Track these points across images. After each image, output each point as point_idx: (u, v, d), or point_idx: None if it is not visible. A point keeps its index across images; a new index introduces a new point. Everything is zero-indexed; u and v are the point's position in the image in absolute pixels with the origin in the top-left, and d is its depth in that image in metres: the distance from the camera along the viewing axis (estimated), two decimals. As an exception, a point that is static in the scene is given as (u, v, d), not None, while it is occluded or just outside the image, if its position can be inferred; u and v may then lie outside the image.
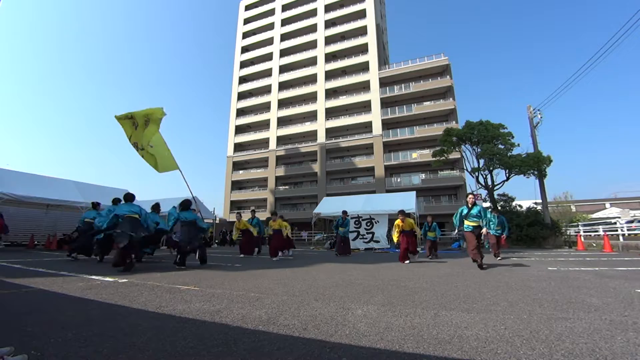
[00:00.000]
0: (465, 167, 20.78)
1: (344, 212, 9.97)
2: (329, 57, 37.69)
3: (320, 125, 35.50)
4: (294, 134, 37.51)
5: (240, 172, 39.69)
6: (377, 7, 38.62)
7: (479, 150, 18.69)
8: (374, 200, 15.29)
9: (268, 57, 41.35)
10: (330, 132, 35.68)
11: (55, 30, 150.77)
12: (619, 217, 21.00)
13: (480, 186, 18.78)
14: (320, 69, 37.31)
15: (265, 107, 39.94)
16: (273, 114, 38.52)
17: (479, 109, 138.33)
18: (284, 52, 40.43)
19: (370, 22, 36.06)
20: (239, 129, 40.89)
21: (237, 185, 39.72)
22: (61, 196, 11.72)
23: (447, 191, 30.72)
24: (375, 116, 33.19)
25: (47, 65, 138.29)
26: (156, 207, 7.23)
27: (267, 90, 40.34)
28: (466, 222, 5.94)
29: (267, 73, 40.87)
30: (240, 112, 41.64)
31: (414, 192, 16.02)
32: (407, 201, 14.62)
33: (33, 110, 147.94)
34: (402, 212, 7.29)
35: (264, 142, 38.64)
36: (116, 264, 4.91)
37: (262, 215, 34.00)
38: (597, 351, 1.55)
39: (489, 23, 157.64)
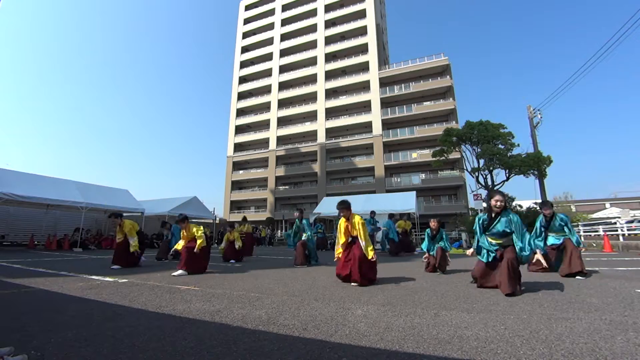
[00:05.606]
0: (465, 167, 20.77)
1: (372, 213, 10.59)
2: (329, 57, 37.69)
3: (320, 125, 35.49)
4: (294, 134, 37.51)
5: (240, 172, 39.69)
6: (377, 7, 38.62)
7: (479, 150, 18.68)
8: (374, 201, 15.30)
9: (268, 57, 41.35)
10: (330, 132, 35.68)
11: (54, 29, 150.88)
12: (619, 217, 20.98)
13: (480, 186, 18.78)
14: (320, 69, 37.31)
15: (265, 107, 39.94)
16: (273, 114, 38.52)
17: (479, 109, 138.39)
18: (284, 52, 40.43)
19: (370, 22, 36.05)
20: (239, 129, 40.89)
21: (237, 185, 39.73)
22: (61, 196, 11.71)
23: (447, 191, 30.73)
24: (375, 116, 33.18)
25: (45, 65, 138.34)
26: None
27: (267, 90, 40.35)
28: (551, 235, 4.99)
29: (267, 73, 40.87)
30: (240, 112, 41.65)
31: (414, 192, 16.02)
32: (407, 201, 14.64)
33: (31, 111, 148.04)
34: (343, 203, 4.19)
35: (264, 142, 38.64)
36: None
37: (262, 216, 34.15)
38: (597, 351, 1.55)
39: (489, 23, 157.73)
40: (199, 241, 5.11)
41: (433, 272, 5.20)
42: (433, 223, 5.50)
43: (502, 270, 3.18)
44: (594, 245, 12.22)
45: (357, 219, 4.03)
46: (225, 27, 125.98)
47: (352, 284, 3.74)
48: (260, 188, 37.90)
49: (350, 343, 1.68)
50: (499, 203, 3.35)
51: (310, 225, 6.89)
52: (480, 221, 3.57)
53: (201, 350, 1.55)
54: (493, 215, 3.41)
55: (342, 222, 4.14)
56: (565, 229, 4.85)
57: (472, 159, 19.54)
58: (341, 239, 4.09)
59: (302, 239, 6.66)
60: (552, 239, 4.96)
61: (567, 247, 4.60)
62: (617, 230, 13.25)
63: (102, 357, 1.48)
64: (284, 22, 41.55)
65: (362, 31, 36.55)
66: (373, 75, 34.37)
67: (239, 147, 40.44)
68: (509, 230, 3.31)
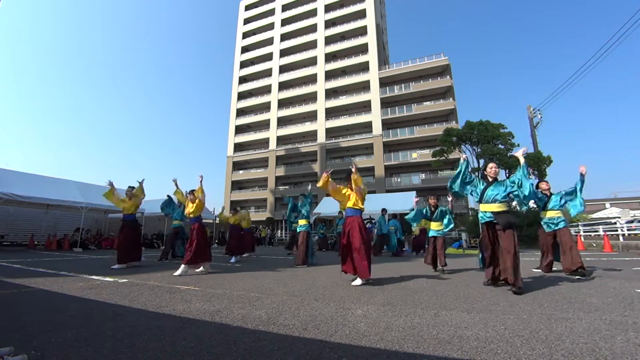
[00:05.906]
0: (465, 167, 20.78)
1: (384, 210, 10.43)
2: (329, 57, 37.68)
3: (320, 125, 35.49)
4: (294, 134, 37.50)
5: (240, 172, 39.68)
6: (377, 7, 38.61)
7: (479, 150, 18.72)
8: (374, 201, 15.28)
9: (268, 57, 41.34)
10: (330, 132, 35.67)
11: (54, 29, 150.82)
12: (619, 217, 20.96)
13: (480, 186, 18.82)
14: (320, 69, 37.30)
15: (265, 107, 39.94)
16: (273, 114, 38.52)
17: (479, 109, 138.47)
18: (284, 52, 40.42)
19: (370, 22, 36.05)
20: (239, 129, 40.88)
21: (237, 185, 39.72)
22: (61, 196, 11.71)
23: (447, 191, 30.60)
24: (375, 116, 33.18)
25: (45, 65, 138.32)
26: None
27: (267, 90, 40.34)
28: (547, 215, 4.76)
29: (267, 73, 40.86)
30: (240, 112, 41.64)
31: (414, 192, 15.99)
32: (407, 201, 14.62)
33: (31, 111, 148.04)
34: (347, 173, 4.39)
35: (264, 142, 38.64)
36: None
37: (262, 216, 34.15)
38: (597, 351, 1.55)
39: (489, 23, 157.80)
40: (200, 197, 5.25)
41: (433, 265, 5.19)
42: (432, 200, 5.40)
43: (505, 261, 3.21)
44: (594, 245, 12.21)
45: (361, 185, 4.10)
46: (225, 27, 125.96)
47: (353, 283, 3.74)
48: (260, 188, 37.89)
49: (350, 343, 1.68)
50: (493, 169, 3.52)
51: (310, 199, 7.04)
52: (473, 183, 3.66)
53: (201, 350, 1.55)
54: (490, 180, 3.55)
55: (344, 188, 4.39)
56: (568, 198, 4.68)
57: (472, 159, 19.58)
58: (338, 194, 4.37)
59: (300, 218, 6.80)
60: (551, 225, 4.82)
61: (567, 243, 4.54)
62: (617, 230, 13.25)
63: (102, 357, 1.48)
64: (284, 22, 41.54)
65: (362, 31, 36.54)
66: (373, 75, 34.36)
67: (239, 147, 40.44)
68: (507, 189, 3.37)
